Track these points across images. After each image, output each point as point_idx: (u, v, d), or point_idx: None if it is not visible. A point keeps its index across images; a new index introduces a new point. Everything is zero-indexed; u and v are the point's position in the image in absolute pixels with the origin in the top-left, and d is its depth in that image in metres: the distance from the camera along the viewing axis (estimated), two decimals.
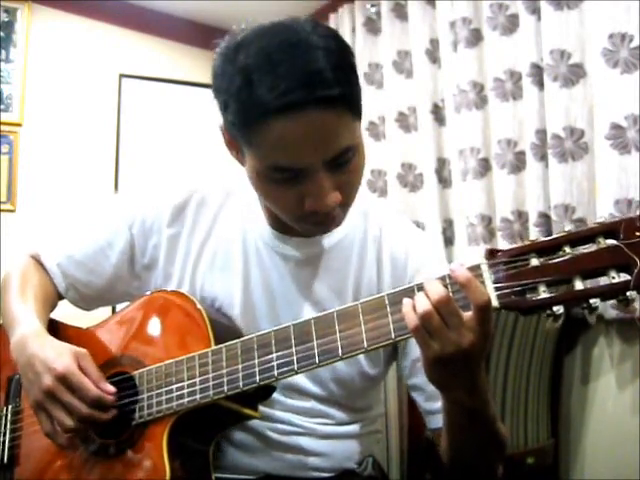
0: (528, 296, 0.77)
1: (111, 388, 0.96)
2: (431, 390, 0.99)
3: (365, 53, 3.05)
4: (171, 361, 0.96)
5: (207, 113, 2.52)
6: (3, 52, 3.06)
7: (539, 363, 2.14)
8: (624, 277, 0.73)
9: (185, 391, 0.93)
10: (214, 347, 0.94)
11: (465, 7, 2.60)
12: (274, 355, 0.89)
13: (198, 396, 0.92)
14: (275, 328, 0.91)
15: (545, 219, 2.26)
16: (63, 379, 0.93)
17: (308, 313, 0.99)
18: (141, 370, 0.99)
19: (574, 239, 0.76)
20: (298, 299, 1.04)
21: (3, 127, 2.99)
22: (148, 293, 1.09)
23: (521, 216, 2.39)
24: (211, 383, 0.92)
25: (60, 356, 0.95)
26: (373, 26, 3.07)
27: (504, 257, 0.79)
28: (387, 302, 0.84)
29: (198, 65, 3.35)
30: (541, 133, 2.29)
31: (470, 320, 0.78)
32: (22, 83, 3.08)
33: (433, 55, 2.78)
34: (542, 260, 0.77)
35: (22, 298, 1.09)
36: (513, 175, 2.40)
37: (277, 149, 0.86)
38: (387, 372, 1.12)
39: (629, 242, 0.73)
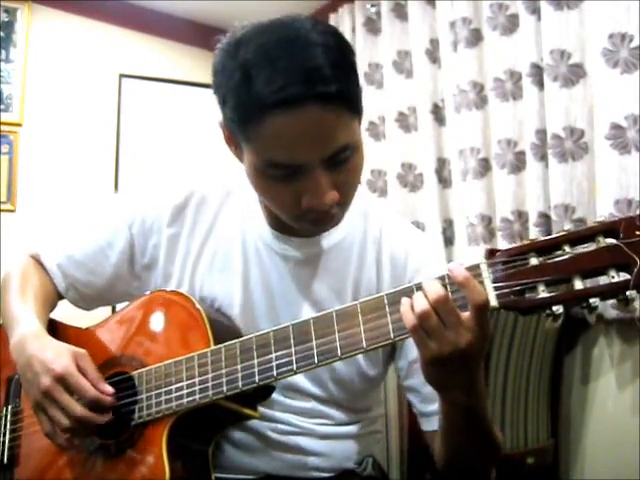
0: (527, 296, 0.77)
1: (109, 389, 0.96)
2: (427, 392, 0.99)
3: (365, 53, 3.05)
4: (170, 361, 0.96)
5: (207, 113, 2.52)
6: (3, 52, 3.06)
7: (539, 363, 2.14)
8: (624, 276, 0.73)
9: (184, 391, 0.93)
10: (213, 347, 0.94)
11: (465, 7, 2.60)
12: (273, 355, 0.89)
13: (197, 396, 0.92)
14: (274, 328, 0.91)
15: (545, 219, 2.26)
16: (61, 380, 0.93)
17: (308, 313, 0.99)
18: (140, 370, 0.99)
19: (573, 238, 0.76)
20: (298, 299, 1.04)
21: (3, 127, 2.99)
22: (147, 293, 1.09)
23: (521, 216, 2.39)
24: (210, 383, 0.92)
25: (59, 357, 0.95)
26: (373, 26, 3.07)
27: (503, 257, 0.79)
28: (386, 302, 0.84)
29: (198, 65, 3.35)
30: (541, 133, 2.29)
31: (468, 320, 0.78)
32: (22, 83, 3.08)
33: (433, 55, 2.78)
34: (541, 259, 0.77)
35: (22, 298, 1.09)
36: (513, 175, 2.40)
37: (274, 145, 0.85)
38: (386, 373, 1.12)
39: (629, 241, 0.73)
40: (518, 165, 2.40)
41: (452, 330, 0.78)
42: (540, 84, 2.29)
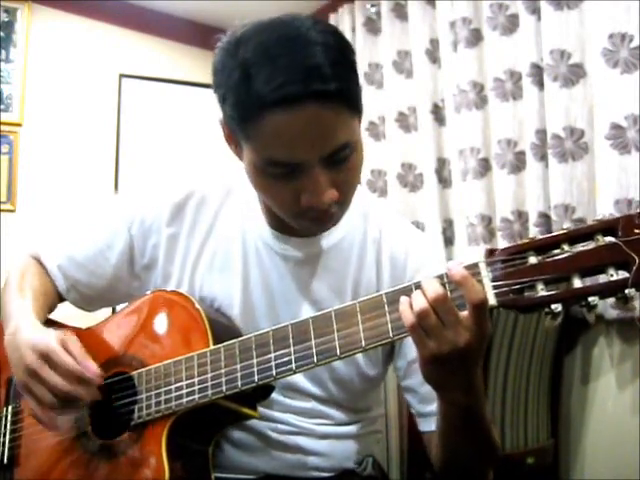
0: (526, 294, 0.77)
1: (94, 366, 0.93)
2: (425, 392, 0.99)
3: (365, 53, 3.05)
4: (170, 361, 0.96)
5: (207, 113, 2.53)
6: (3, 52, 3.06)
7: (539, 363, 2.14)
8: (623, 274, 0.73)
9: (184, 391, 0.93)
10: (212, 347, 0.94)
11: (465, 7, 2.60)
12: (272, 355, 0.89)
13: (197, 396, 0.92)
14: (273, 327, 0.91)
15: (545, 219, 2.26)
16: (45, 356, 0.92)
17: (307, 313, 0.99)
18: (140, 370, 0.99)
19: (572, 237, 0.76)
20: (297, 299, 1.04)
21: (3, 127, 2.99)
22: (147, 293, 1.09)
23: (521, 216, 2.39)
24: (210, 383, 0.92)
25: (44, 337, 0.95)
26: (373, 26, 3.07)
27: (502, 255, 0.78)
28: (385, 301, 0.84)
29: (198, 65, 3.35)
30: (541, 133, 2.29)
31: (467, 319, 0.78)
32: (22, 83, 3.08)
33: (433, 55, 2.78)
34: (540, 258, 0.77)
35: (21, 296, 1.09)
36: (513, 175, 2.40)
37: (273, 143, 0.85)
38: (386, 373, 1.12)
39: (628, 239, 0.72)
40: (518, 165, 2.40)
41: (451, 329, 0.78)
42: (540, 84, 2.29)
